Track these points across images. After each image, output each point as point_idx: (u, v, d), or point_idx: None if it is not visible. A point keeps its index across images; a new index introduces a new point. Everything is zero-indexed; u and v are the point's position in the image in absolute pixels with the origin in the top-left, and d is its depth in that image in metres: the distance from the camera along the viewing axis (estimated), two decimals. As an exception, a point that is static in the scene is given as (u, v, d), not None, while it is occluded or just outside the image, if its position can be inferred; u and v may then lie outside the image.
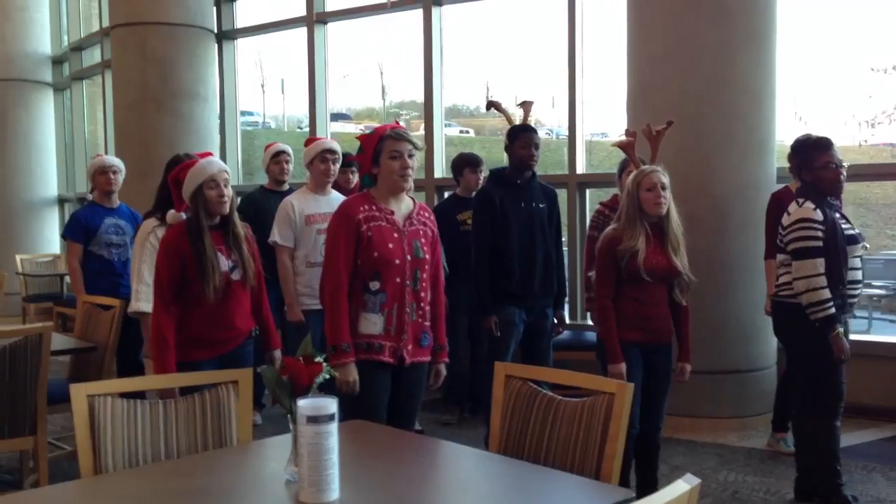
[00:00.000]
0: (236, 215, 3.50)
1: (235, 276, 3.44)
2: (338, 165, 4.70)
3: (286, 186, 5.40)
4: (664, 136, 4.08)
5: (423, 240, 3.20)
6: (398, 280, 3.11)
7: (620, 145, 4.19)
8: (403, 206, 3.21)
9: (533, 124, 4.61)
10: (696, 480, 1.51)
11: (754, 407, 5.15)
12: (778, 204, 4.68)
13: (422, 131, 7.44)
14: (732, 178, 5.11)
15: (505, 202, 4.42)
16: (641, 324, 3.63)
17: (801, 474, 3.98)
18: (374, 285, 3.10)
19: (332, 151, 4.65)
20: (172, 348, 3.34)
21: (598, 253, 3.68)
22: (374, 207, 3.14)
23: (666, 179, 3.62)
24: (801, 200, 3.81)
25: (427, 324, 3.24)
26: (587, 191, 6.52)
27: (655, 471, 3.85)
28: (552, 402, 2.44)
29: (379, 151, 3.12)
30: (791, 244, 3.78)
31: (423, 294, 3.20)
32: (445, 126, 7.57)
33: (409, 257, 3.14)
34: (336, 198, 4.60)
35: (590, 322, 6.35)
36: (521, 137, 4.42)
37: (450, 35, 7.29)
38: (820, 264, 3.68)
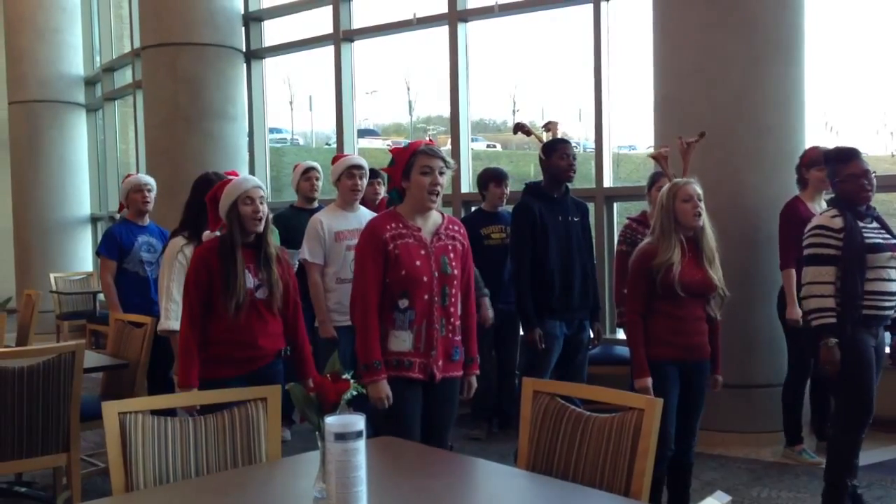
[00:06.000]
0: (271, 236, 3.53)
1: (260, 294, 3.45)
2: (365, 181, 4.72)
3: (316, 204, 5.43)
4: (695, 148, 4.06)
5: (451, 255, 3.20)
6: (426, 297, 3.12)
7: (656, 156, 4.18)
8: (431, 221, 3.21)
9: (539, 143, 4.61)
10: (727, 497, 1.50)
11: (788, 421, 5.07)
12: (789, 214, 4.70)
13: (448, 146, 7.46)
14: (762, 191, 5.07)
15: (544, 215, 4.41)
16: (677, 340, 3.58)
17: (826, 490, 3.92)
18: (403, 303, 3.11)
19: (359, 167, 4.67)
20: (197, 362, 3.38)
21: (630, 267, 3.65)
22: (400, 225, 3.15)
23: (700, 191, 3.60)
24: (827, 208, 3.80)
25: (458, 338, 3.24)
26: (615, 204, 6.49)
27: (687, 488, 3.80)
28: (581, 417, 2.42)
29: (411, 166, 3.13)
30: (804, 249, 3.77)
31: (452, 309, 3.20)
32: (472, 140, 7.59)
33: (436, 274, 3.14)
34: (364, 213, 4.62)
35: (620, 336, 6.31)
36: (559, 149, 4.41)
37: (476, 50, 7.32)
38: (825, 272, 3.65)
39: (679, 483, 3.77)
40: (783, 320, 4.79)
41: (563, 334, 4.46)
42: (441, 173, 3.13)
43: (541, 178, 4.59)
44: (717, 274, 3.60)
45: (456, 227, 3.28)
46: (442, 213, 3.28)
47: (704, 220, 3.59)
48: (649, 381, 3.52)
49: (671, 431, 3.59)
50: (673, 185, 3.62)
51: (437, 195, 3.15)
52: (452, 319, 3.20)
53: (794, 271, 4.63)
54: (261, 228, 3.43)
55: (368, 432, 1.95)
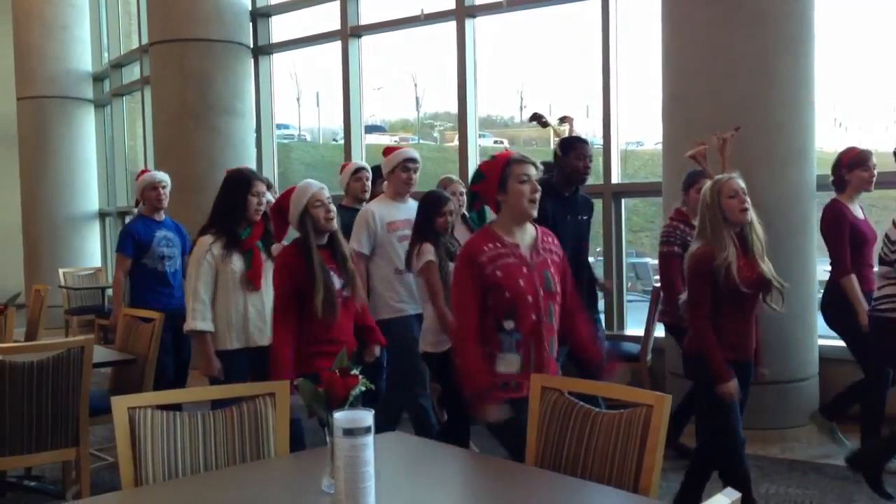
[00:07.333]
0: (340, 234, 3.68)
1: (346, 293, 3.61)
2: (418, 175, 4.75)
3: (364, 204, 5.42)
4: (731, 142, 4.03)
5: (552, 269, 3.07)
6: (533, 317, 2.99)
7: (693, 155, 4.15)
8: (528, 235, 3.08)
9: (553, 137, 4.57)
10: (737, 494, 1.50)
11: (796, 418, 5.06)
12: (837, 218, 4.57)
13: (456, 142, 7.46)
14: (772, 189, 5.04)
15: (555, 215, 4.31)
16: (736, 342, 3.51)
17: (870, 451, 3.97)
18: (509, 324, 2.98)
19: (414, 160, 4.71)
20: (288, 365, 3.48)
21: (689, 274, 3.53)
22: (498, 244, 3.01)
23: (744, 184, 3.50)
24: None
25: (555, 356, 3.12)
26: (622, 200, 6.48)
27: (703, 486, 3.82)
28: (589, 413, 2.42)
29: (506, 177, 3.00)
30: None
31: (555, 326, 3.08)
32: (480, 137, 7.58)
33: (541, 291, 3.01)
34: (413, 205, 4.59)
35: (627, 332, 6.30)
36: (577, 149, 4.32)
37: (483, 46, 7.31)
38: None
39: (700, 478, 3.78)
40: (837, 328, 4.68)
41: None
42: (537, 180, 3.03)
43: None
44: (768, 267, 3.51)
45: (550, 239, 3.16)
46: (535, 226, 3.14)
47: (752, 214, 3.49)
48: (735, 382, 3.43)
49: (740, 422, 3.55)
50: (715, 182, 3.52)
51: (537, 202, 3.03)
52: (555, 337, 3.08)
53: (854, 276, 4.48)
54: (335, 226, 3.57)
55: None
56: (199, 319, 3.94)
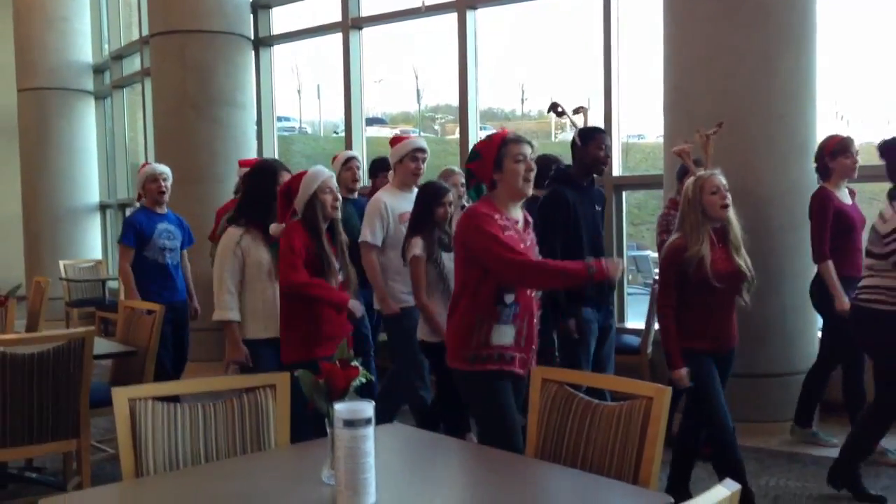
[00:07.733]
0: (339, 222, 3.79)
1: (342, 276, 3.73)
2: (426, 165, 4.75)
3: (355, 194, 5.43)
4: (714, 138, 4.07)
5: (538, 247, 3.23)
6: (528, 291, 3.12)
7: (678, 152, 4.18)
8: (520, 214, 3.18)
9: (569, 127, 4.55)
10: (736, 485, 1.50)
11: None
12: (823, 205, 4.60)
13: (457, 135, 7.45)
14: (773, 182, 5.04)
15: (576, 205, 4.27)
16: (711, 333, 3.59)
17: (840, 464, 3.99)
18: (509, 297, 3.06)
19: (422, 150, 4.73)
20: (331, 287, 3.64)
21: (661, 262, 3.66)
22: (503, 216, 3.08)
23: (725, 181, 3.59)
24: None
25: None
26: (623, 193, 6.47)
27: (689, 474, 3.85)
28: (589, 406, 2.42)
29: (501, 156, 3.07)
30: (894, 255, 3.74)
31: (539, 302, 3.22)
32: (481, 129, 7.57)
33: None
34: None
35: (628, 325, 6.31)
36: (597, 139, 4.27)
37: (484, 38, 7.29)
38: None
39: (687, 464, 3.81)
40: (822, 312, 4.73)
41: (597, 321, 4.40)
42: (531, 159, 3.09)
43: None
44: (744, 261, 3.60)
45: (531, 221, 3.28)
46: (521, 208, 3.23)
47: (730, 210, 3.58)
48: (685, 370, 3.53)
49: (726, 413, 3.62)
50: (698, 178, 3.61)
51: (532, 180, 3.10)
52: (539, 312, 3.22)
53: (831, 263, 4.52)
54: (339, 214, 3.72)
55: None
56: (227, 309, 3.98)
